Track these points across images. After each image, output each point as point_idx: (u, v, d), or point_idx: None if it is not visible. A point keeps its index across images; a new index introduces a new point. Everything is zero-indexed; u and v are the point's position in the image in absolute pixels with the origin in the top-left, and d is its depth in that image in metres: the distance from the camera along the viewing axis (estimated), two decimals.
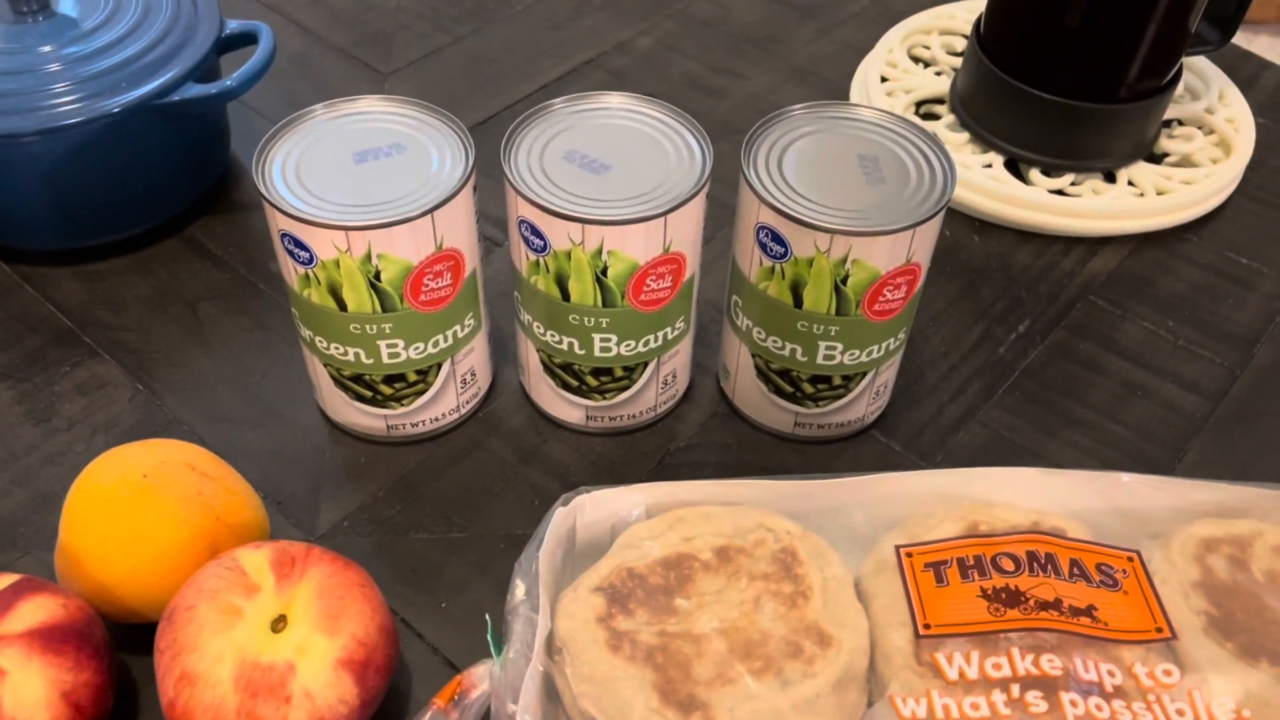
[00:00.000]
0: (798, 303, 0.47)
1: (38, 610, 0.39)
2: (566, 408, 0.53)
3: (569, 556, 0.44)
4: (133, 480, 0.42)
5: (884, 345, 0.49)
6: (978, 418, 0.55)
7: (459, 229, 0.46)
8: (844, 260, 0.45)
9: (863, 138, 0.48)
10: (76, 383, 0.55)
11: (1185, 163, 0.68)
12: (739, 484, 0.45)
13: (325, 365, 0.50)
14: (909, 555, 0.42)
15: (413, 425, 0.52)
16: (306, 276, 0.46)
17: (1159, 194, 0.65)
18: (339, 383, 0.50)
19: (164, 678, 0.38)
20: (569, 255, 0.46)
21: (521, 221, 0.46)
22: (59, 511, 0.49)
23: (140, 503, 0.42)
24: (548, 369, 0.51)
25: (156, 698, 0.43)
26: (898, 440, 0.54)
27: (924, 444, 0.54)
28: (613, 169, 0.46)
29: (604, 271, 0.46)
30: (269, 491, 0.50)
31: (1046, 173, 0.66)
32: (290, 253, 0.45)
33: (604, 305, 0.47)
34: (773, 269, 0.47)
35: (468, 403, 0.53)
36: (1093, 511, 0.44)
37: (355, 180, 0.45)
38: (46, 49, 0.57)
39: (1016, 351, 0.58)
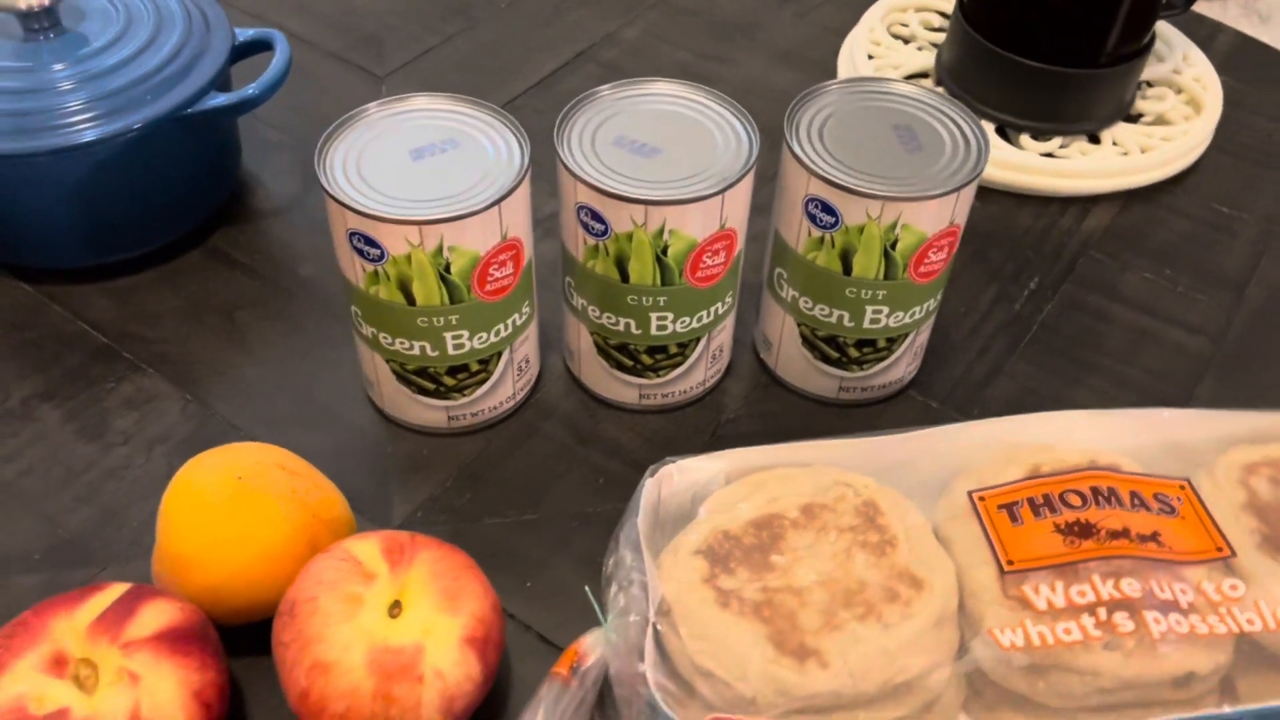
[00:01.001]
0: (846, 270, 0.49)
1: (159, 614, 0.39)
2: (620, 388, 0.54)
3: (657, 525, 0.45)
4: (229, 482, 0.43)
5: (925, 306, 0.52)
6: (1005, 371, 0.58)
7: (520, 218, 0.48)
8: (894, 226, 0.47)
9: (895, 109, 0.51)
10: (124, 397, 0.55)
11: (1160, 121, 0.72)
12: (810, 445, 0.47)
13: (389, 361, 0.50)
14: (981, 499, 0.45)
15: (473, 415, 0.53)
16: (375, 274, 0.46)
17: (1143, 151, 0.69)
18: (402, 378, 0.51)
19: (292, 669, 0.39)
20: (630, 237, 0.47)
21: (581, 207, 0.48)
22: (128, 526, 0.49)
23: (240, 504, 0.42)
24: (602, 351, 0.53)
25: (263, 694, 0.44)
26: (935, 398, 0.57)
27: (960, 399, 0.56)
28: (662, 152, 0.48)
29: (664, 251, 0.47)
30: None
31: (1035, 137, 0.69)
32: (359, 251, 0.46)
33: (663, 284, 0.49)
34: (822, 239, 0.49)
35: (522, 390, 0.54)
36: (1139, 447, 0.47)
37: (416, 176, 0.46)
38: (60, 66, 0.56)
39: (1031, 308, 0.61)
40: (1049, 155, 0.69)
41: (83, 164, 0.56)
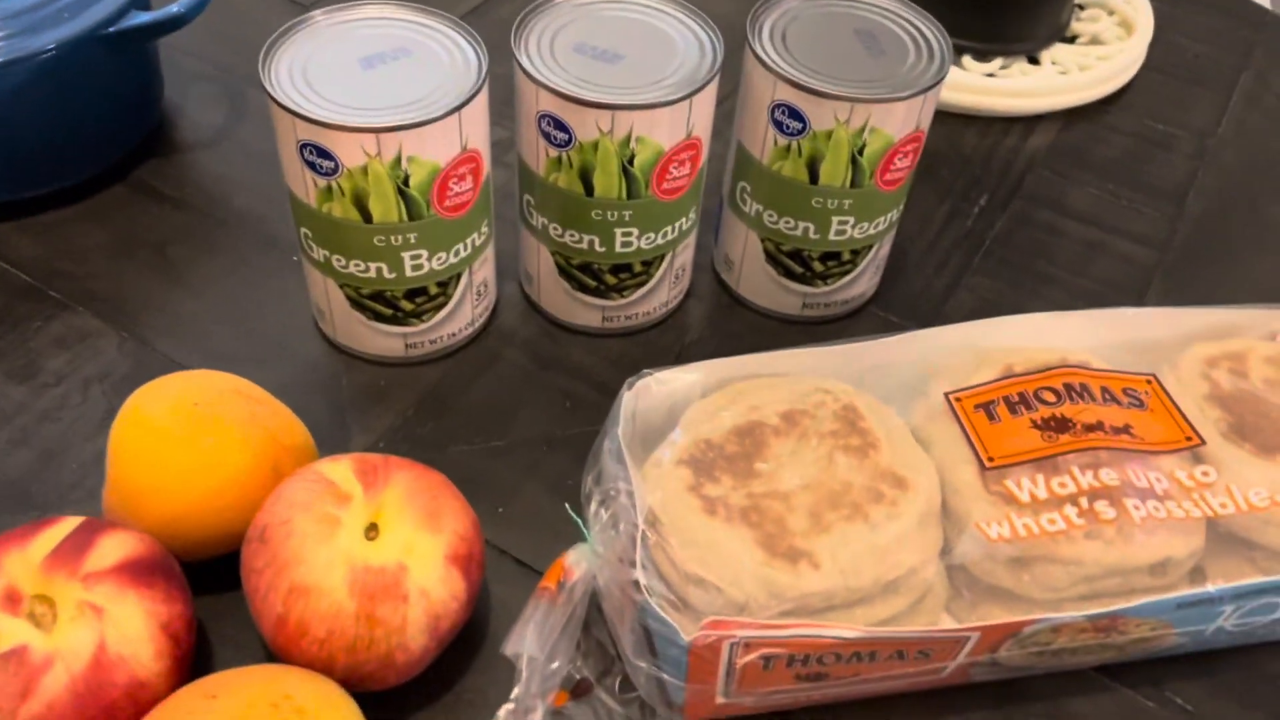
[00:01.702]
0: (813, 178, 0.49)
1: (120, 545, 0.37)
2: (583, 311, 0.53)
3: (635, 438, 0.44)
4: (185, 409, 0.40)
5: (889, 216, 0.52)
6: (963, 285, 0.58)
7: (479, 130, 0.46)
8: (862, 130, 0.47)
9: (855, 14, 0.50)
10: (53, 337, 0.52)
11: (1095, 41, 0.73)
12: (786, 355, 0.46)
13: (343, 286, 0.48)
14: (958, 400, 0.45)
15: (431, 342, 0.51)
16: (329, 189, 0.44)
17: (1081, 70, 0.69)
18: (356, 304, 0.49)
19: (268, 595, 0.37)
20: (595, 146, 0.46)
21: (543, 116, 0.46)
22: (69, 468, 0.46)
23: (199, 430, 0.40)
24: (564, 273, 0.51)
25: (230, 632, 0.42)
26: (896, 313, 0.56)
27: (922, 313, 0.56)
28: (624, 59, 0.47)
29: (630, 160, 0.46)
30: None
31: (978, 58, 0.70)
32: (311, 165, 0.44)
33: (628, 197, 0.47)
34: (788, 147, 0.48)
35: (481, 315, 0.53)
36: (1105, 346, 0.48)
37: (368, 85, 0.44)
38: None
39: (984, 224, 0.62)
40: (991, 76, 0.69)
41: None
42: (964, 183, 0.64)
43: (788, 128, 0.48)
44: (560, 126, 0.46)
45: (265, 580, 0.37)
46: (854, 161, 0.48)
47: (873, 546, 0.40)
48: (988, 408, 0.44)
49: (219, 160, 0.61)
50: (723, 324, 0.55)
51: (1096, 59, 0.70)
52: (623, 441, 0.42)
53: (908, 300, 0.57)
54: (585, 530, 0.41)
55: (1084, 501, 0.41)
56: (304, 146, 0.43)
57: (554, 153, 0.47)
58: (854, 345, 0.47)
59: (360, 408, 0.50)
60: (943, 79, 0.47)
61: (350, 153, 0.43)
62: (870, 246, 0.52)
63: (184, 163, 0.60)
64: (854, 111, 0.46)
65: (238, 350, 0.52)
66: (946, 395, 0.45)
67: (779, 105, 0.47)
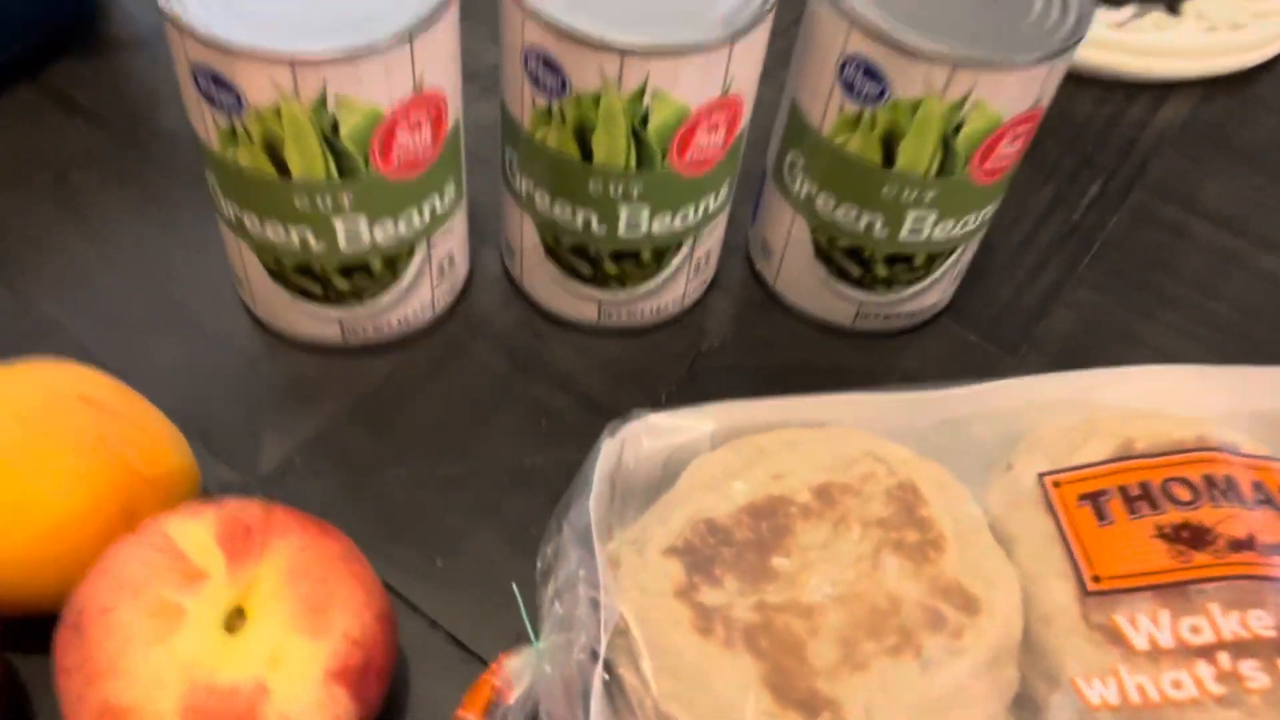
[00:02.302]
0: (889, 160, 0.36)
1: None
2: (574, 303, 0.41)
3: (616, 502, 0.33)
4: (4, 426, 0.30)
5: (981, 213, 0.39)
6: (1062, 298, 0.46)
7: (443, 63, 0.34)
8: (961, 103, 0.34)
9: None
10: None
11: None
12: (826, 401, 0.35)
13: (258, 253, 0.37)
14: (1056, 485, 0.33)
15: (375, 329, 0.40)
16: (231, 131, 0.33)
17: (1233, 28, 0.56)
18: (277, 275, 0.38)
19: (77, 707, 0.27)
20: (596, 100, 0.34)
21: (530, 52, 0.34)
22: None
23: (18, 457, 0.29)
24: (551, 253, 0.40)
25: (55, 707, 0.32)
26: (974, 328, 0.44)
27: (1005, 333, 0.44)
28: None
29: (643, 121, 0.34)
30: (190, 423, 0.38)
31: (1106, 2, 0.56)
32: (209, 97, 0.32)
33: (638, 167, 0.36)
34: (859, 116, 0.36)
35: (444, 298, 0.41)
36: (1261, 415, 0.36)
37: None
38: None
39: (1094, 218, 0.49)
40: (1119, 26, 0.55)
41: None
42: (1073, 162, 0.51)
43: (860, 91, 0.35)
44: (551, 68, 0.34)
45: (74, 689, 0.27)
46: (945, 143, 0.36)
47: (924, 698, 0.29)
48: (1096, 501, 0.33)
49: (150, 66, 0.49)
50: (752, 327, 0.44)
51: (1253, 16, 0.56)
52: (592, 514, 0.31)
53: (991, 313, 0.45)
54: (531, 631, 0.30)
55: (1224, 659, 0.30)
56: (197, 72, 0.32)
57: (542, 101, 0.35)
58: (921, 394, 0.35)
59: (279, 405, 0.39)
60: (1079, 40, 0.35)
61: (257, 86, 0.31)
62: (953, 251, 0.40)
63: (107, 66, 0.49)
64: (954, 77, 0.34)
65: (137, 316, 0.41)
66: (1041, 477, 0.34)
67: (851, 60, 0.35)
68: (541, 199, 0.38)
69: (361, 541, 0.36)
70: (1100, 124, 0.53)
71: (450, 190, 0.38)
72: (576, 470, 0.32)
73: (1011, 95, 0.34)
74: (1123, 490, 0.33)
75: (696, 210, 0.38)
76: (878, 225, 0.39)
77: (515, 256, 0.42)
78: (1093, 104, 0.54)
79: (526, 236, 0.40)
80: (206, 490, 0.36)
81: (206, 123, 0.33)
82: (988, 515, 0.33)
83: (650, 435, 0.33)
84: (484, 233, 0.44)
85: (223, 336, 0.41)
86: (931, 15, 0.34)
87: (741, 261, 0.46)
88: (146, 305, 0.41)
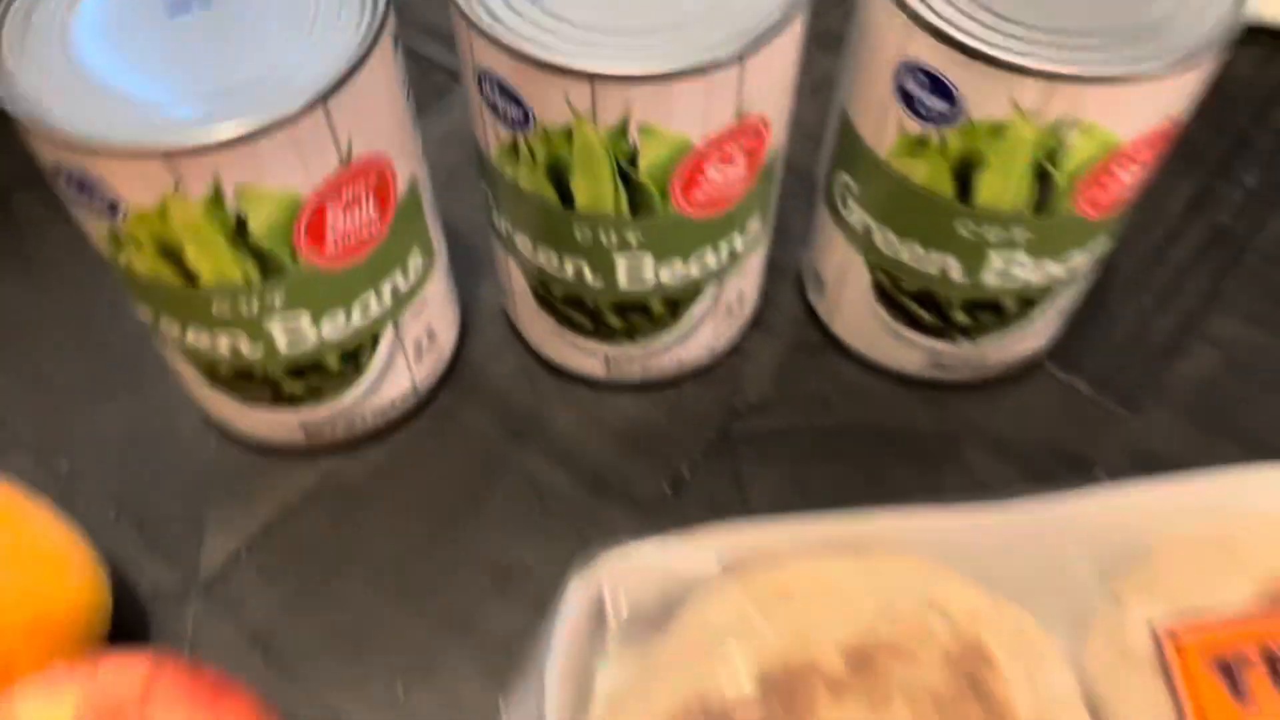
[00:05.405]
0: (964, 192, 0.28)
1: None
2: (575, 355, 0.34)
3: (595, 648, 0.26)
4: None
5: (1089, 252, 0.30)
6: (1201, 331, 0.36)
7: (378, 118, 0.26)
8: (1058, 125, 0.25)
9: None
10: None
11: None
12: (865, 520, 0.27)
13: (190, 363, 0.31)
14: (1175, 640, 0.25)
15: (348, 424, 0.33)
16: (115, 237, 0.26)
17: None
18: (219, 382, 0.31)
19: None
20: (568, 135, 0.26)
21: (484, 76, 0.26)
22: None
23: None
24: (544, 303, 0.33)
25: None
26: (1083, 376, 0.35)
27: (1125, 380, 0.35)
28: None
29: (631, 160, 0.26)
30: (126, 508, 0.33)
31: None
32: (79, 203, 0.25)
33: (633, 213, 0.28)
34: (924, 139, 0.27)
35: (428, 378, 0.34)
36: None
37: (171, 53, 0.25)
38: None
39: (1247, 221, 0.39)
40: None
41: None
42: (1225, 147, 0.41)
43: (925, 108, 0.27)
44: (509, 97, 0.26)
45: None
46: (1041, 174, 0.27)
47: None
48: (1231, 669, 0.24)
49: None
50: (802, 378, 0.36)
51: None
52: (549, 688, 0.24)
53: (1108, 353, 0.36)
54: None
55: None
56: (62, 175, 0.25)
57: (505, 134, 0.27)
58: (993, 514, 0.27)
59: (228, 490, 0.33)
60: (1228, 35, 0.25)
61: (132, 188, 0.24)
62: (1052, 295, 0.31)
63: None
64: (1053, 94, 0.25)
65: (69, 372, 0.36)
66: (1154, 628, 0.25)
67: (912, 68, 0.26)
68: (523, 243, 0.31)
69: (311, 663, 0.30)
70: (1262, 93, 0.42)
71: (415, 260, 0.30)
72: (569, 566, 0.25)
73: (1131, 113, 0.25)
74: (1268, 655, 0.24)
75: (717, 255, 0.30)
76: (954, 268, 0.30)
77: (510, 299, 0.35)
78: (1254, 65, 0.43)
79: (516, 281, 0.33)
80: (133, 599, 0.31)
81: (90, 226, 0.27)
82: (1082, 678, 0.25)
83: (635, 572, 0.26)
84: (480, 271, 0.37)
85: (170, 408, 0.35)
86: (1020, 7, 0.25)
87: (792, 289, 0.38)
88: (84, 359, 0.36)
